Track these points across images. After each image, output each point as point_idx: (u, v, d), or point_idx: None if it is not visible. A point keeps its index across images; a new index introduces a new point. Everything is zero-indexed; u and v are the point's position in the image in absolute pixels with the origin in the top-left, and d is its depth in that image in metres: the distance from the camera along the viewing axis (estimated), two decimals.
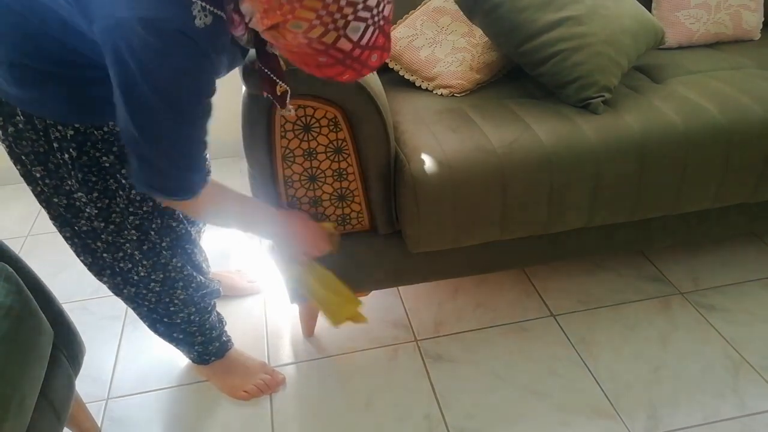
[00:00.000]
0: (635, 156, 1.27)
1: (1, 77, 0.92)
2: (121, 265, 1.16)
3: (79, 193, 1.05)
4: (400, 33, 1.53)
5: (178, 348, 1.38)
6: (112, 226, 1.10)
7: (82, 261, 1.17)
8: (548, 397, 1.37)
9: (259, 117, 1.15)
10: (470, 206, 1.24)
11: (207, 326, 1.34)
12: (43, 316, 1.02)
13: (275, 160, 1.19)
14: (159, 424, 1.36)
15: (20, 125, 0.97)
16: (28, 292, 1.00)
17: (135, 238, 1.12)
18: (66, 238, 1.13)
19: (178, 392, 1.43)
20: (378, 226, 1.32)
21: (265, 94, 1.01)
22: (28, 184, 1.06)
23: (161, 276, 1.19)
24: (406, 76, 1.53)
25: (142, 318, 1.30)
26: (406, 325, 1.58)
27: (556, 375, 1.42)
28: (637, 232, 1.48)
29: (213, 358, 1.39)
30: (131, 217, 1.10)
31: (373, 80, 1.19)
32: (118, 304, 1.69)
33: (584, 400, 1.36)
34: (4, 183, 2.31)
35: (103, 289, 1.72)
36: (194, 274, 1.25)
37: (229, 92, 1.33)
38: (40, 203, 1.09)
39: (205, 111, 0.89)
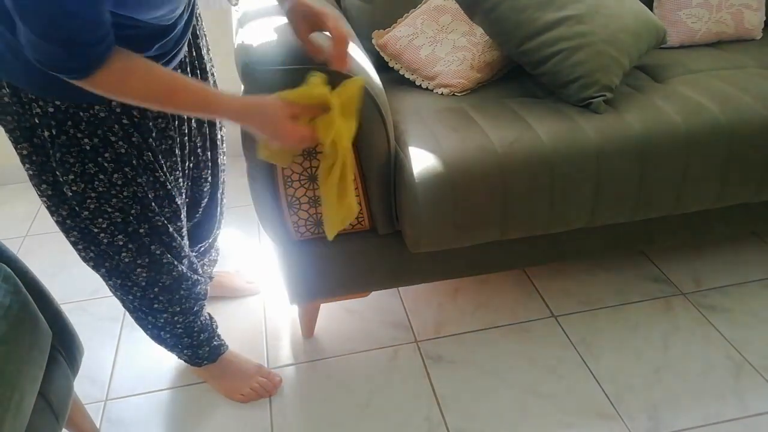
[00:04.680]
0: (636, 156, 1.26)
1: None
2: (102, 247, 1.15)
3: (58, 172, 1.03)
4: (400, 32, 1.52)
5: (168, 350, 1.37)
6: (86, 212, 1.08)
7: (71, 243, 1.16)
8: (549, 398, 1.36)
9: None
10: (470, 206, 1.23)
11: (195, 329, 1.33)
12: (42, 316, 1.02)
13: None
14: (157, 425, 1.36)
15: (5, 98, 0.96)
16: (27, 293, 0.99)
17: (119, 220, 1.11)
18: (57, 223, 1.13)
19: (176, 393, 1.43)
20: (378, 226, 1.32)
21: None
22: (21, 163, 1.06)
23: (147, 260, 1.17)
24: (406, 75, 1.52)
25: (132, 316, 1.30)
26: (407, 326, 1.58)
27: (557, 376, 1.41)
28: (638, 232, 1.47)
29: (205, 362, 1.38)
30: (114, 200, 1.08)
31: (373, 79, 1.18)
32: (117, 305, 1.67)
33: (585, 401, 1.35)
34: (3, 183, 2.31)
35: (102, 290, 1.73)
36: (175, 262, 1.22)
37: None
38: (32, 183, 1.08)
39: None
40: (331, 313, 1.61)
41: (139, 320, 1.31)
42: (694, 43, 1.65)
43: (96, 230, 1.11)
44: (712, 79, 1.43)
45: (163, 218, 1.16)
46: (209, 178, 1.33)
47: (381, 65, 1.51)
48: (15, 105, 0.96)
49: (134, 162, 1.07)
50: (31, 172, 1.06)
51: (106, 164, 1.04)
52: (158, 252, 1.18)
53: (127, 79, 0.89)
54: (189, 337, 1.33)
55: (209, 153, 1.31)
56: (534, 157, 1.22)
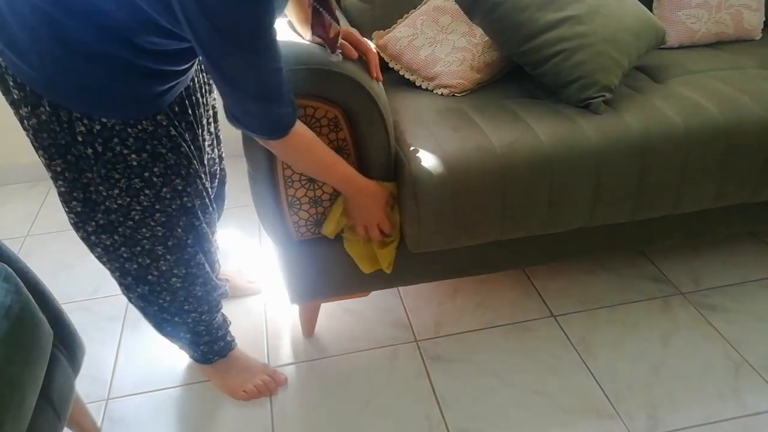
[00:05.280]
0: (636, 156, 1.27)
1: (34, 64, 0.91)
2: (139, 260, 1.15)
3: (100, 188, 1.04)
4: (400, 32, 1.53)
5: (182, 347, 1.38)
6: (130, 222, 1.09)
7: (96, 256, 1.16)
8: (548, 398, 1.37)
9: None
10: (470, 206, 1.24)
11: (215, 325, 1.34)
12: (43, 316, 1.02)
13: (275, 159, 1.19)
14: (159, 424, 1.36)
15: (43, 117, 0.96)
16: (28, 293, 1.00)
17: (160, 234, 1.12)
18: (83, 239, 1.13)
19: (177, 392, 1.43)
20: None
21: (314, 38, 1.05)
22: (51, 179, 1.07)
23: (183, 272, 1.19)
24: (406, 76, 1.53)
25: (148, 318, 1.30)
26: (406, 325, 1.58)
27: (557, 375, 1.42)
28: (637, 232, 1.48)
29: (216, 357, 1.39)
30: (157, 214, 1.10)
31: (373, 80, 1.19)
32: (118, 304, 1.69)
33: (584, 401, 1.35)
34: (4, 183, 2.30)
35: (103, 290, 1.74)
36: (210, 272, 1.25)
37: None
38: (61, 199, 1.09)
39: (272, 40, 0.88)
40: (332, 312, 1.62)
41: (158, 323, 1.31)
42: (693, 44, 1.65)
43: (139, 237, 1.12)
44: (711, 79, 1.43)
45: (205, 224, 1.18)
46: (217, 174, 1.35)
47: (381, 66, 1.50)
48: (53, 123, 0.97)
49: (183, 172, 1.09)
50: (63, 189, 1.06)
51: (155, 179, 1.06)
52: (198, 258, 1.20)
53: (308, 144, 1.07)
54: (209, 334, 1.35)
55: (216, 149, 1.34)
56: (533, 157, 1.23)
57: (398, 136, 1.29)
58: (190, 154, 1.10)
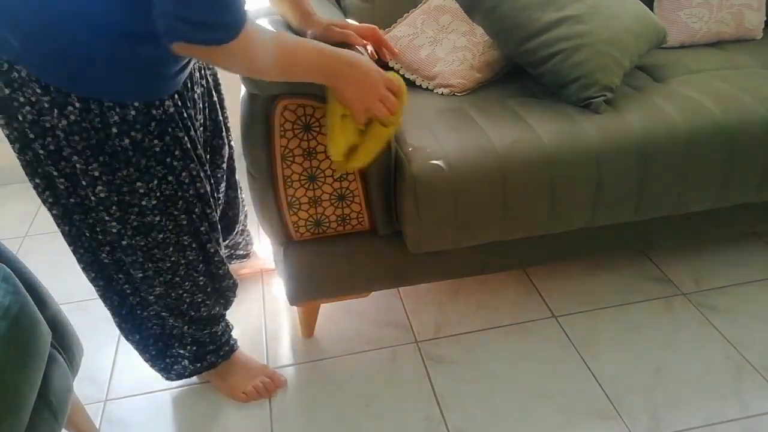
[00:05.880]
0: (637, 156, 1.26)
1: (58, 59, 0.88)
2: (173, 258, 1.14)
3: (137, 183, 1.01)
4: (400, 32, 1.52)
5: (190, 364, 1.35)
6: (160, 216, 1.07)
7: (133, 268, 1.14)
8: (550, 399, 1.36)
9: (258, 116, 1.14)
10: (471, 206, 1.23)
11: (219, 332, 1.34)
12: (41, 316, 1.02)
13: (274, 159, 1.18)
14: (157, 425, 1.35)
15: (72, 117, 0.92)
16: (26, 293, 0.99)
17: (185, 223, 1.11)
18: (128, 246, 1.10)
19: (176, 394, 1.42)
20: (378, 227, 1.32)
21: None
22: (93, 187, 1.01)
23: (203, 268, 1.19)
24: (406, 75, 1.52)
25: (161, 340, 1.29)
26: (407, 326, 1.58)
27: (558, 376, 1.41)
28: (639, 232, 1.47)
29: (220, 360, 1.38)
30: (180, 202, 1.08)
31: None
32: None
33: (586, 402, 1.35)
34: (2, 183, 2.30)
35: None
36: (224, 259, 1.25)
37: (228, 92, 1.33)
38: (102, 207, 1.04)
39: None
40: (331, 313, 1.61)
41: (170, 343, 1.30)
42: (694, 43, 1.65)
43: (161, 237, 1.10)
44: (712, 79, 1.43)
45: (215, 214, 1.18)
46: (222, 164, 1.33)
47: (381, 65, 1.50)
48: (84, 121, 0.93)
49: (194, 155, 1.07)
50: (102, 195, 1.02)
51: (175, 163, 1.04)
52: (212, 250, 1.19)
53: (259, 42, 0.90)
54: (213, 343, 1.34)
55: (220, 140, 1.31)
56: (534, 157, 1.22)
57: (398, 136, 1.29)
58: (196, 138, 1.09)
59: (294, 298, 1.40)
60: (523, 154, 1.22)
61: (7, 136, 0.98)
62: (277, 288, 1.72)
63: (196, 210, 1.11)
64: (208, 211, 1.14)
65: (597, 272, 1.71)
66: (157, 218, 1.07)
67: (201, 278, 1.21)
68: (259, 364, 1.44)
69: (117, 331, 1.60)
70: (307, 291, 1.39)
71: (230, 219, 1.44)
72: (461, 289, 1.68)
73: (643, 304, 1.60)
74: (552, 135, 1.25)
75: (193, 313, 1.25)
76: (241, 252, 1.64)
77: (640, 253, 1.77)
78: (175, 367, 1.35)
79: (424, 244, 1.27)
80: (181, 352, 1.32)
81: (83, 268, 1.16)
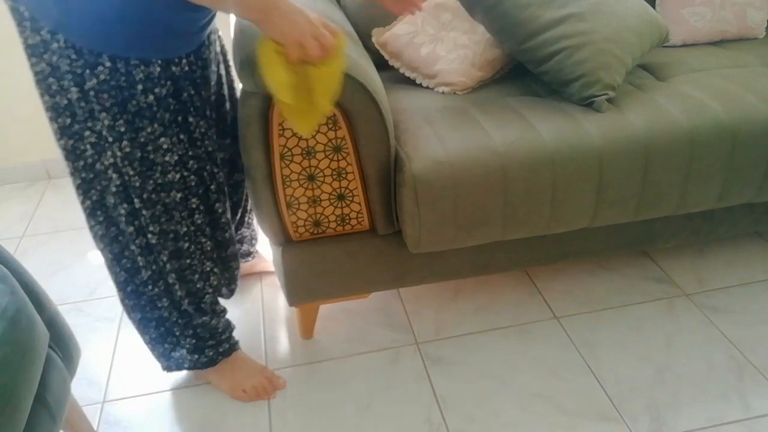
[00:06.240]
0: (639, 155, 1.25)
1: (90, 20, 0.94)
2: (183, 214, 1.17)
3: (162, 139, 1.07)
4: (400, 30, 1.51)
5: (188, 356, 1.35)
6: (178, 168, 1.11)
7: (151, 232, 1.16)
8: (551, 400, 1.35)
9: (256, 115, 1.13)
10: (471, 206, 1.22)
11: (220, 328, 1.34)
12: (38, 317, 1.01)
13: (273, 158, 1.18)
14: (155, 427, 1.35)
15: (102, 76, 0.99)
16: (23, 294, 0.98)
17: (194, 184, 1.16)
18: (140, 204, 1.12)
19: (174, 395, 1.42)
20: (378, 227, 1.31)
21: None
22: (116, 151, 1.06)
23: (209, 231, 1.22)
24: (406, 74, 1.51)
25: (169, 320, 1.29)
26: (407, 327, 1.57)
27: (559, 378, 1.40)
28: (640, 232, 1.46)
29: (221, 357, 1.37)
30: (191, 161, 1.13)
31: (373, 78, 1.17)
32: (114, 306, 1.67)
33: (587, 403, 1.34)
34: (0, 183, 2.30)
35: (99, 291, 1.72)
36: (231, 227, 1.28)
37: None
38: (124, 172, 1.08)
39: None
40: (331, 314, 1.60)
41: (172, 330, 1.30)
42: (696, 42, 1.64)
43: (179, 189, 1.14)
44: (714, 77, 1.42)
45: (222, 174, 1.21)
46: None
47: (381, 64, 1.50)
48: (113, 80, 0.99)
49: (206, 114, 1.13)
50: (127, 149, 1.06)
51: (191, 119, 1.10)
52: (220, 210, 1.23)
53: None
54: (213, 338, 1.34)
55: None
56: (536, 156, 1.21)
57: (398, 135, 1.28)
58: (209, 98, 1.14)
59: (293, 299, 1.39)
60: (525, 153, 1.21)
61: (46, 105, 1.04)
62: (276, 289, 1.71)
63: (207, 168, 1.16)
64: (216, 170, 1.18)
65: (598, 273, 1.71)
66: (178, 175, 1.12)
67: (208, 243, 1.23)
68: (259, 365, 1.43)
69: (115, 332, 1.60)
70: (306, 292, 1.38)
71: (234, 203, 1.44)
72: (461, 290, 1.67)
73: (645, 305, 1.59)
74: (553, 134, 1.24)
75: (200, 286, 1.25)
76: (246, 247, 1.64)
77: (642, 253, 1.77)
78: (174, 354, 1.35)
79: (424, 244, 1.27)
80: (182, 341, 1.32)
81: (97, 238, 1.19)
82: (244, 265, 1.71)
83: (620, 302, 1.60)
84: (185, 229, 1.17)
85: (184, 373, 1.46)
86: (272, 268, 1.74)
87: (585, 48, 1.31)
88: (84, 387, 1.43)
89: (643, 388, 1.37)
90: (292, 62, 1.01)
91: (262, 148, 1.17)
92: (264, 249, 1.77)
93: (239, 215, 1.50)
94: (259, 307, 1.66)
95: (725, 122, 1.28)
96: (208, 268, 1.25)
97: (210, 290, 1.27)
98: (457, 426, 1.31)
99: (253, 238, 1.66)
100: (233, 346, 1.39)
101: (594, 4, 1.35)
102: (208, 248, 1.23)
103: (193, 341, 1.32)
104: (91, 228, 1.17)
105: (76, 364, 1.17)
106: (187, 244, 1.19)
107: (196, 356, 1.34)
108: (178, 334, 1.31)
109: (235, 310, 1.64)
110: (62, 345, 1.12)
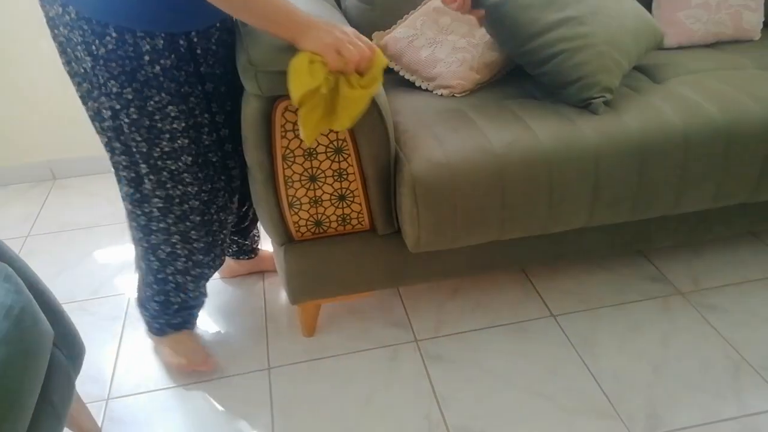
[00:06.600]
0: (635, 156, 1.27)
1: None
2: (200, 175, 1.22)
3: (169, 107, 1.11)
4: (400, 33, 1.53)
5: (159, 308, 1.40)
6: (182, 138, 1.16)
7: (157, 196, 1.21)
8: (548, 398, 1.37)
9: (259, 117, 1.15)
10: (470, 206, 1.24)
11: (200, 290, 1.41)
12: (43, 316, 1.02)
13: (275, 160, 1.19)
14: (159, 424, 1.36)
15: (110, 45, 1.04)
16: (28, 293, 1.00)
17: (194, 152, 1.20)
18: (143, 174, 1.18)
19: (178, 392, 1.43)
20: (378, 226, 1.32)
21: None
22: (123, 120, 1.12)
23: (209, 187, 1.26)
24: (406, 77, 1.53)
25: (160, 260, 1.33)
26: (406, 325, 1.58)
27: (557, 375, 1.42)
28: (637, 232, 1.48)
29: (170, 330, 1.43)
30: (191, 131, 1.17)
31: None
32: (119, 305, 1.69)
33: (584, 401, 1.36)
34: (5, 183, 2.31)
35: (103, 290, 1.74)
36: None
37: None
38: (133, 141, 1.14)
39: None
40: (332, 312, 1.62)
41: (158, 267, 1.34)
42: (692, 44, 1.65)
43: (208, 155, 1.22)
44: (710, 79, 1.43)
45: (228, 146, 1.28)
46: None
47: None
48: (120, 49, 1.04)
49: (199, 89, 1.16)
50: (135, 116, 1.11)
51: (191, 97, 1.14)
52: (222, 183, 1.29)
53: None
54: (180, 306, 1.39)
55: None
56: (533, 157, 1.23)
57: (398, 137, 1.29)
58: (212, 74, 1.19)
59: (295, 298, 1.41)
60: (522, 154, 1.23)
61: (68, 72, 1.13)
62: (278, 287, 1.73)
63: (204, 138, 1.20)
64: (211, 140, 1.23)
65: (595, 272, 1.72)
66: (186, 141, 1.16)
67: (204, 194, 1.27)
68: (202, 350, 1.48)
69: (119, 330, 1.62)
70: (308, 290, 1.40)
71: (242, 195, 1.46)
72: (460, 289, 1.69)
73: (641, 304, 1.60)
74: (550, 135, 1.25)
75: (195, 241, 1.30)
76: (248, 244, 1.66)
77: (638, 252, 1.78)
78: (149, 305, 1.41)
79: (424, 244, 1.28)
80: (155, 298, 1.38)
81: (124, 196, 1.25)
82: (247, 263, 1.73)
83: (617, 301, 1.62)
84: (196, 189, 1.23)
85: (187, 371, 1.47)
86: (272, 267, 1.76)
87: (584, 51, 1.32)
88: (88, 384, 1.45)
89: (639, 385, 1.38)
90: (329, 71, 1.02)
91: (265, 149, 1.18)
92: (266, 247, 1.78)
93: (245, 207, 1.52)
94: (261, 305, 1.68)
95: (720, 123, 1.29)
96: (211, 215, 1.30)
97: (202, 244, 1.32)
98: (455, 422, 1.32)
99: (256, 236, 1.68)
100: (186, 323, 1.45)
101: (593, 7, 1.36)
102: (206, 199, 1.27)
103: (162, 298, 1.38)
104: (120, 178, 1.23)
105: (80, 363, 1.18)
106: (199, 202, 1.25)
107: (163, 311, 1.40)
108: (159, 288, 1.36)
109: (238, 308, 1.66)
110: (67, 343, 1.13)
